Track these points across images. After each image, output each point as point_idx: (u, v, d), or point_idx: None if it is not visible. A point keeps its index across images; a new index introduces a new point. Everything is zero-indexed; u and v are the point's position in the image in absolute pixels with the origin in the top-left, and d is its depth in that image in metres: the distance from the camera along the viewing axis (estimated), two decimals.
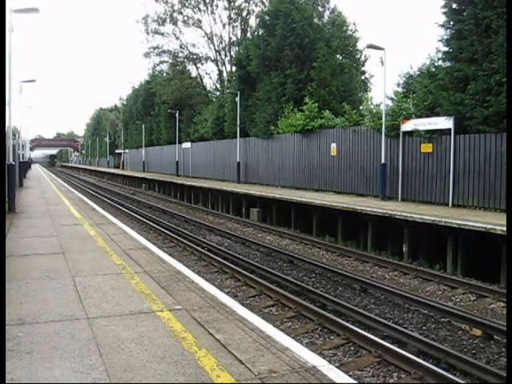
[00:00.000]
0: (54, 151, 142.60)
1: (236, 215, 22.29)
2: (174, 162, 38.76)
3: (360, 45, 32.05)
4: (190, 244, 14.12)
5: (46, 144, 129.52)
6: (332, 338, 7.16)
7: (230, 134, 29.95)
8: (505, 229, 10.00)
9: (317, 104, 22.10)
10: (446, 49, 15.36)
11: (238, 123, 27.24)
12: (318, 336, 7.27)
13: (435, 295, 9.70)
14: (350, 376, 4.53)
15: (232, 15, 41.03)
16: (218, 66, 43.04)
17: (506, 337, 6.69)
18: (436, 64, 16.40)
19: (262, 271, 10.93)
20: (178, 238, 15.21)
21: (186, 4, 41.70)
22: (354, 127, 19.53)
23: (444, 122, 14.79)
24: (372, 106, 19.50)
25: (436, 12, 15.87)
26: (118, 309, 5.15)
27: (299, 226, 18.45)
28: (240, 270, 10.89)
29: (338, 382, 3.56)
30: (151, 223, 18.35)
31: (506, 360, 6.26)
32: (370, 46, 17.85)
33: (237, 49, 37.93)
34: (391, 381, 5.89)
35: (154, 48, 44.27)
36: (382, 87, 17.84)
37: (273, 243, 15.20)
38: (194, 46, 43.90)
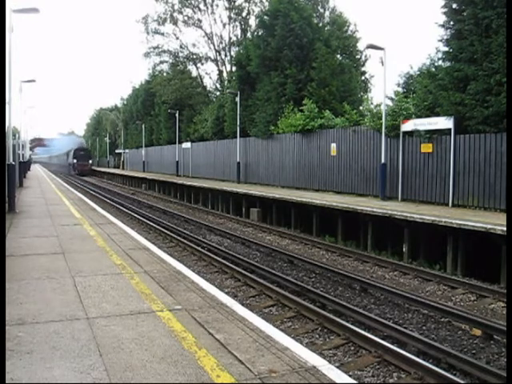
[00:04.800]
0: (74, 142, 75.90)
1: (236, 215, 22.29)
2: (174, 162, 38.75)
3: (360, 45, 32.04)
4: (190, 244, 14.12)
5: (46, 144, 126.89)
6: (332, 337, 7.17)
7: (230, 133, 29.95)
8: (505, 229, 10.00)
9: (317, 104, 22.10)
10: (446, 49, 15.35)
11: (238, 123, 27.24)
12: (318, 336, 7.27)
13: (435, 295, 9.70)
14: (350, 376, 4.54)
15: (232, 15, 41.02)
16: (218, 65, 43.06)
17: (506, 337, 6.69)
18: (436, 64, 16.39)
19: (261, 271, 10.93)
20: (178, 237, 15.21)
21: (186, 4, 41.70)
22: (354, 127, 19.52)
23: (444, 122, 14.79)
24: (372, 106, 19.50)
25: (436, 12, 15.89)
26: (117, 309, 5.15)
27: (299, 226, 18.45)
28: (240, 269, 10.89)
29: (338, 381, 3.56)
30: (151, 223, 18.35)
31: (505, 360, 6.26)
32: (370, 46, 17.83)
33: (237, 49, 37.92)
34: (391, 381, 5.89)
35: (154, 48, 44.31)
36: (382, 87, 17.84)
37: (273, 243, 15.20)
38: (194, 45, 43.98)
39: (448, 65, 15.33)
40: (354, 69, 28.77)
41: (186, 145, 36.82)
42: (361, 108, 22.49)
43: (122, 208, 23.66)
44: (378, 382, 5.87)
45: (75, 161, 64.95)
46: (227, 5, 40.75)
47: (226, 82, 39.35)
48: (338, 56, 27.79)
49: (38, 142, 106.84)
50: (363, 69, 33.13)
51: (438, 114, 15.20)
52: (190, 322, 4.72)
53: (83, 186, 41.07)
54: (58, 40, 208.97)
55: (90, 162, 67.35)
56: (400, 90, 20.61)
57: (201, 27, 42.32)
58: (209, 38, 42.42)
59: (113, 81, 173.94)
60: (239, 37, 41.09)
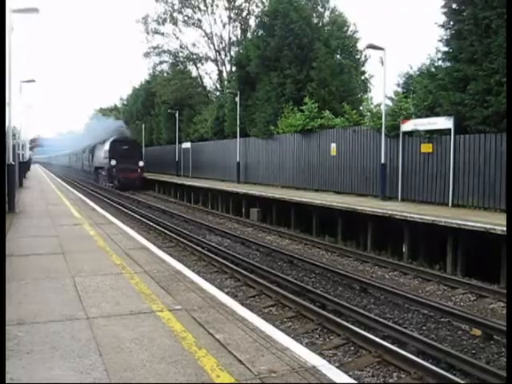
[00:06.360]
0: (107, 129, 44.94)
1: (236, 215, 22.29)
2: (174, 162, 38.73)
3: (360, 45, 32.05)
4: (190, 244, 14.12)
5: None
6: (332, 337, 7.17)
7: (229, 134, 29.95)
8: (504, 229, 10.00)
9: (317, 104, 22.10)
10: (446, 49, 15.34)
11: (238, 123, 27.24)
12: (317, 336, 7.27)
13: (435, 295, 9.71)
14: (349, 376, 4.54)
15: (232, 15, 41.03)
16: (217, 65, 43.06)
17: (506, 337, 6.69)
18: (436, 64, 16.39)
19: (261, 271, 10.93)
20: (178, 237, 15.21)
21: (186, 4, 41.70)
22: (354, 127, 19.51)
23: (444, 122, 14.78)
24: (372, 106, 19.49)
25: (436, 12, 15.90)
26: (117, 309, 5.15)
27: (299, 226, 18.45)
28: (240, 269, 10.90)
29: (337, 381, 3.56)
30: (151, 223, 18.35)
31: (505, 360, 6.26)
32: (370, 46, 17.81)
33: (237, 49, 37.93)
34: (391, 381, 5.89)
35: (154, 48, 44.31)
36: (381, 87, 17.83)
37: (273, 243, 15.20)
38: (194, 45, 43.92)
39: (448, 65, 15.32)
40: (354, 69, 28.77)
41: (186, 145, 36.79)
42: (361, 108, 22.50)
43: (121, 208, 23.65)
44: (378, 381, 5.87)
45: (114, 162, 36.00)
46: (227, 5, 40.78)
47: (225, 82, 39.34)
48: (338, 56, 27.81)
49: (37, 142, 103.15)
50: (363, 69, 33.14)
51: (437, 114, 15.20)
52: (190, 322, 4.72)
53: (83, 186, 40.98)
54: (56, 39, 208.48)
55: (142, 164, 37.56)
56: (400, 90, 20.62)
57: (201, 27, 42.35)
58: (209, 38, 42.46)
59: (112, 81, 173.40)
60: (239, 37, 41.10)
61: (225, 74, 42.11)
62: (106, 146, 37.98)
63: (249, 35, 36.62)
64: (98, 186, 38.78)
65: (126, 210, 22.67)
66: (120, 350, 4.04)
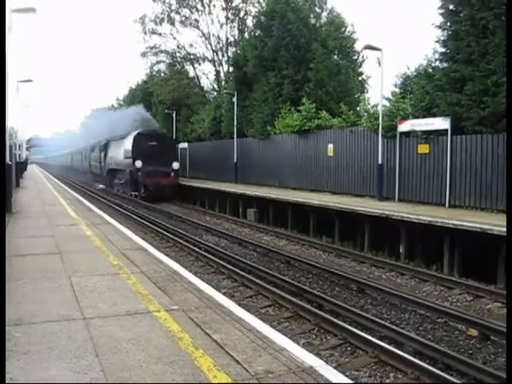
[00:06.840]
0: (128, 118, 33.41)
1: (233, 216, 22.27)
2: None
3: (358, 46, 32.09)
4: (187, 244, 14.11)
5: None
6: (329, 338, 7.17)
7: (227, 134, 29.94)
8: (502, 229, 10.02)
9: (314, 104, 22.12)
10: (443, 49, 15.37)
11: (235, 124, 27.23)
12: (314, 336, 7.27)
13: (432, 295, 9.72)
14: (346, 376, 4.54)
15: (229, 15, 41.04)
16: (215, 66, 43.05)
17: (506, 337, 6.72)
18: (433, 65, 16.43)
19: (258, 271, 10.93)
20: (175, 238, 15.19)
21: (184, 4, 41.68)
22: (351, 128, 19.54)
23: (441, 123, 14.82)
24: (369, 107, 19.52)
25: (433, 13, 15.91)
26: (114, 309, 5.15)
27: (296, 226, 18.45)
28: (237, 270, 10.89)
29: (334, 382, 3.57)
30: (148, 223, 18.32)
31: (504, 360, 6.29)
32: (367, 47, 17.83)
33: (234, 49, 37.94)
34: (388, 381, 5.89)
35: (151, 48, 44.28)
36: (379, 88, 17.86)
37: (270, 243, 15.20)
38: (191, 46, 43.90)
39: (445, 65, 15.35)
40: (351, 69, 28.83)
41: (183, 145, 36.76)
42: (358, 109, 22.51)
43: (118, 208, 23.60)
44: (375, 382, 5.88)
45: (139, 164, 27.52)
46: (224, 5, 40.77)
47: (223, 83, 39.35)
48: (335, 57, 27.86)
49: (32, 143, 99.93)
50: (360, 69, 33.18)
51: (434, 115, 15.23)
52: (187, 323, 4.72)
53: (80, 186, 40.88)
54: (53, 39, 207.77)
55: (176, 166, 29.02)
56: (397, 90, 20.63)
57: (198, 27, 42.33)
58: (206, 39, 42.44)
59: (109, 81, 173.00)
60: (236, 37, 41.10)
61: (222, 75, 42.11)
62: (128, 143, 29.00)
63: (246, 35, 36.62)
64: (93, 185, 36.24)
65: (123, 211, 22.62)
66: (117, 351, 4.03)
